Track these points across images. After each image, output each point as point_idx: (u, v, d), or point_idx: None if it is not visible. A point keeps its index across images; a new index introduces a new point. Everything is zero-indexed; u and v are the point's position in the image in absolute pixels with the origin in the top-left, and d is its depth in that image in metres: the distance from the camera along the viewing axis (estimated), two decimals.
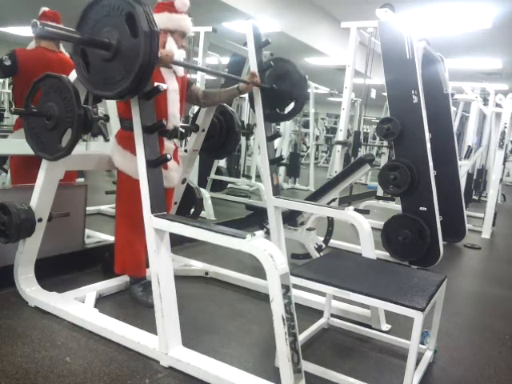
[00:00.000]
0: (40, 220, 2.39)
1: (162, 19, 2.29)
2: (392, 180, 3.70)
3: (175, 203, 3.09)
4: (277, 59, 2.98)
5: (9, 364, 1.85)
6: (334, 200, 3.88)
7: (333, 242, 3.90)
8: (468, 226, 4.96)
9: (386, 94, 3.76)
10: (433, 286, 1.96)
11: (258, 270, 2.92)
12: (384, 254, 3.78)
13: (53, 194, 2.43)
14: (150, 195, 2.00)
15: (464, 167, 5.96)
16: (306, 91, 3.04)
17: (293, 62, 2.95)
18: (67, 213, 2.69)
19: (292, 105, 3.07)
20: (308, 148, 11.71)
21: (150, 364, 1.95)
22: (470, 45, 7.26)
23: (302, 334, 2.20)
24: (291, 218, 3.63)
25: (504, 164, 5.73)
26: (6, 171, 4.62)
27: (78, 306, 2.35)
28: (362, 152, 10.70)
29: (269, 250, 1.70)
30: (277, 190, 2.99)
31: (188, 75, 2.88)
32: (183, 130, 2.72)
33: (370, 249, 2.54)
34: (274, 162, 3.00)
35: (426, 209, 3.64)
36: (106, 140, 6.69)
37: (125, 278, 2.72)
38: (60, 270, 2.84)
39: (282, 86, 2.94)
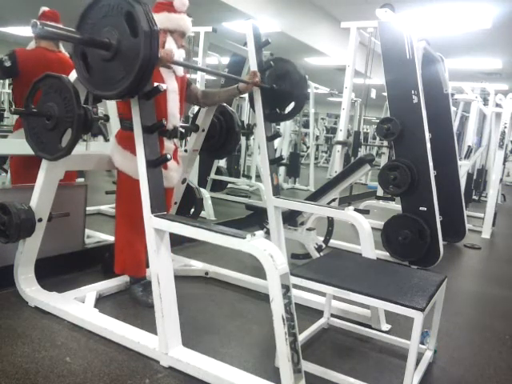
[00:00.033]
0: (40, 220, 2.39)
1: (161, 19, 2.28)
2: (392, 180, 3.70)
3: (175, 203, 3.09)
4: (277, 59, 2.98)
5: (9, 364, 1.85)
6: (333, 200, 3.88)
7: (333, 242, 3.90)
8: (468, 225, 4.96)
9: (386, 93, 3.76)
10: (433, 286, 1.96)
11: (257, 270, 2.92)
12: (384, 254, 3.78)
13: (53, 194, 2.43)
14: (150, 195, 2.00)
15: (464, 167, 5.96)
16: (305, 91, 3.03)
17: (293, 61, 2.95)
18: (67, 213, 2.69)
19: (292, 105, 3.07)
20: (308, 148, 11.71)
21: (149, 364, 1.95)
22: (469, 45, 7.26)
23: (302, 333, 2.20)
24: (291, 218, 3.63)
25: (504, 164, 5.73)
26: (6, 171, 4.62)
27: (78, 306, 2.35)
28: (361, 152, 10.70)
29: (269, 250, 1.70)
30: (277, 190, 2.99)
31: (188, 75, 2.88)
32: (183, 130, 2.72)
33: (370, 249, 2.54)
34: (274, 162, 3.00)
35: (426, 209, 3.64)
36: (106, 140, 6.69)
37: (125, 278, 2.72)
38: (60, 269, 2.84)
39: (282, 85, 2.94)
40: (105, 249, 3.06)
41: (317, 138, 13.72)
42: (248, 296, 2.84)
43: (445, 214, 4.21)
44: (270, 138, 2.97)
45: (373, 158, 3.78)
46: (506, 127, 5.53)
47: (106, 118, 3.19)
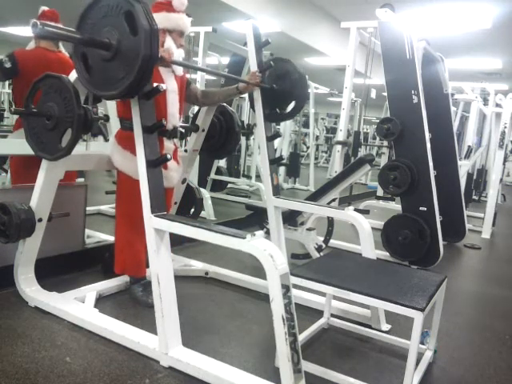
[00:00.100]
0: (40, 220, 2.39)
1: (160, 19, 2.27)
2: (392, 180, 3.70)
3: (175, 203, 3.09)
4: (277, 59, 2.98)
5: (9, 364, 1.85)
6: (333, 200, 3.88)
7: (333, 242, 3.90)
8: (468, 225, 4.96)
9: (386, 93, 3.76)
10: (433, 286, 1.96)
11: (258, 270, 2.93)
12: (384, 254, 3.78)
13: (53, 194, 2.43)
14: (150, 195, 2.00)
15: (464, 167, 5.96)
16: (305, 91, 3.04)
17: (292, 61, 2.95)
18: (67, 213, 2.69)
19: (292, 105, 3.07)
20: (308, 148, 11.71)
21: (150, 364, 1.95)
22: (469, 45, 7.26)
23: (302, 333, 2.20)
24: (291, 218, 3.63)
25: (504, 164, 5.73)
26: (6, 171, 4.62)
27: (78, 306, 2.35)
28: (361, 152, 10.70)
29: (269, 250, 1.70)
30: (277, 190, 2.99)
31: (188, 75, 2.88)
32: (183, 130, 2.72)
33: (370, 249, 2.54)
34: (274, 161, 3.00)
35: (426, 209, 3.64)
36: (106, 140, 6.68)
37: (125, 278, 2.72)
38: (60, 269, 2.84)
39: (282, 85, 2.94)
40: (105, 249, 3.06)
41: (317, 138, 13.73)
42: (248, 296, 2.84)
43: (445, 214, 4.21)
44: (270, 138, 2.97)
45: (373, 158, 3.78)
46: (506, 127, 5.53)
47: (106, 118, 3.19)
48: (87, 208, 3.16)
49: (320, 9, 6.39)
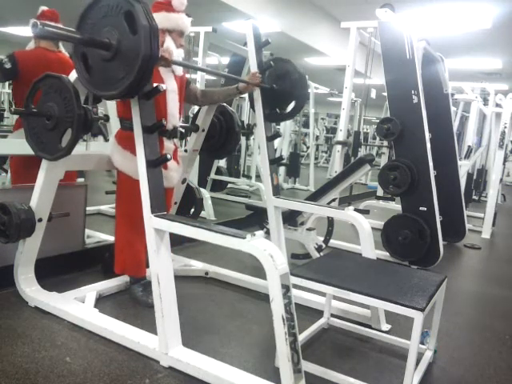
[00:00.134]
0: (40, 220, 2.39)
1: (159, 19, 2.27)
2: (392, 180, 3.70)
3: (175, 203, 3.09)
4: (277, 59, 2.98)
5: (9, 364, 1.85)
6: (333, 200, 3.88)
7: (333, 242, 3.90)
8: (468, 225, 4.96)
9: (386, 93, 3.76)
10: (433, 286, 1.96)
11: (258, 270, 2.92)
12: (384, 254, 3.78)
13: (53, 194, 2.43)
14: (150, 195, 2.00)
15: (464, 167, 5.96)
16: (305, 91, 3.04)
17: (292, 61, 2.95)
18: (67, 213, 2.69)
19: (292, 104, 3.07)
20: (308, 148, 11.71)
21: (150, 364, 1.95)
22: (469, 45, 7.26)
23: (302, 333, 2.20)
24: (291, 218, 3.63)
25: (504, 164, 5.74)
26: (6, 171, 4.62)
27: (78, 306, 2.35)
28: (361, 152, 10.70)
29: (269, 250, 1.70)
30: (277, 190, 2.99)
31: (188, 75, 2.88)
32: (183, 130, 2.72)
33: (370, 249, 2.54)
34: (274, 162, 3.00)
35: (426, 209, 3.64)
36: (106, 140, 6.68)
37: (125, 278, 2.72)
38: (60, 269, 2.84)
39: (282, 85, 2.94)
40: (105, 249, 3.06)
41: (317, 138, 13.73)
42: (248, 296, 2.84)
43: (445, 214, 4.21)
44: (270, 138, 2.97)
45: (373, 158, 3.78)
46: (506, 127, 5.53)
47: (106, 118, 3.19)
48: (87, 208, 3.16)
49: (320, 9, 6.39)
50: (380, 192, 5.25)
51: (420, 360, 2.08)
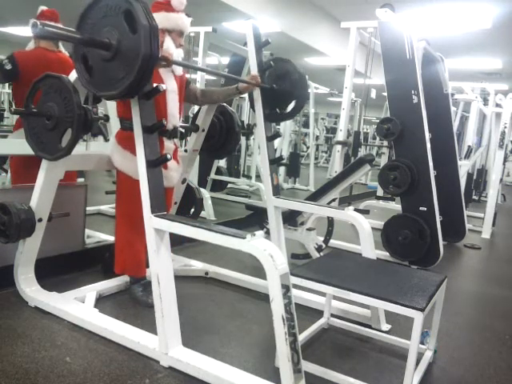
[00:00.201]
0: (40, 220, 2.39)
1: (159, 18, 2.27)
2: (392, 180, 3.70)
3: (175, 203, 3.09)
4: (277, 59, 2.98)
5: (9, 364, 1.85)
6: (333, 200, 3.88)
7: (333, 242, 3.90)
8: (468, 225, 4.96)
9: (386, 93, 3.76)
10: (433, 286, 1.96)
11: (258, 270, 2.92)
12: (384, 254, 3.78)
13: (53, 194, 2.43)
14: (150, 195, 2.00)
15: (464, 167, 5.96)
16: (306, 91, 3.04)
17: (292, 61, 2.95)
18: (67, 213, 2.69)
19: (292, 104, 3.07)
20: (308, 148, 11.71)
21: (150, 364, 1.95)
22: (469, 45, 7.26)
23: (302, 333, 2.20)
24: (291, 218, 3.63)
25: (504, 164, 5.73)
26: (6, 171, 4.62)
27: (78, 306, 2.35)
28: (361, 152, 10.70)
29: (269, 250, 1.70)
30: (277, 190, 2.99)
31: (188, 75, 2.88)
32: (183, 130, 2.72)
33: (370, 249, 2.54)
34: (274, 162, 3.00)
35: (426, 209, 3.64)
36: (106, 140, 6.68)
37: (125, 278, 2.72)
38: (60, 269, 2.84)
39: (282, 85, 2.94)
40: (105, 249, 3.06)
41: (317, 138, 13.73)
42: (248, 296, 2.84)
43: (445, 214, 4.21)
44: (270, 138, 2.97)
45: (373, 158, 3.78)
46: (506, 127, 5.53)
47: (106, 118, 3.19)
48: (87, 208, 3.16)
49: (320, 9, 6.39)
50: (380, 192, 5.25)
51: (420, 360, 2.08)
